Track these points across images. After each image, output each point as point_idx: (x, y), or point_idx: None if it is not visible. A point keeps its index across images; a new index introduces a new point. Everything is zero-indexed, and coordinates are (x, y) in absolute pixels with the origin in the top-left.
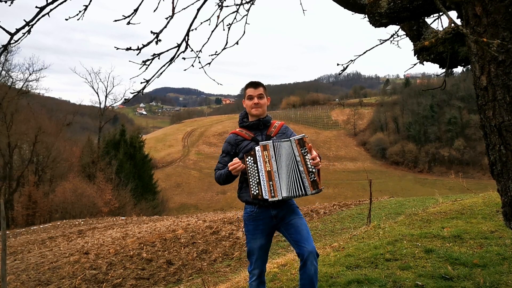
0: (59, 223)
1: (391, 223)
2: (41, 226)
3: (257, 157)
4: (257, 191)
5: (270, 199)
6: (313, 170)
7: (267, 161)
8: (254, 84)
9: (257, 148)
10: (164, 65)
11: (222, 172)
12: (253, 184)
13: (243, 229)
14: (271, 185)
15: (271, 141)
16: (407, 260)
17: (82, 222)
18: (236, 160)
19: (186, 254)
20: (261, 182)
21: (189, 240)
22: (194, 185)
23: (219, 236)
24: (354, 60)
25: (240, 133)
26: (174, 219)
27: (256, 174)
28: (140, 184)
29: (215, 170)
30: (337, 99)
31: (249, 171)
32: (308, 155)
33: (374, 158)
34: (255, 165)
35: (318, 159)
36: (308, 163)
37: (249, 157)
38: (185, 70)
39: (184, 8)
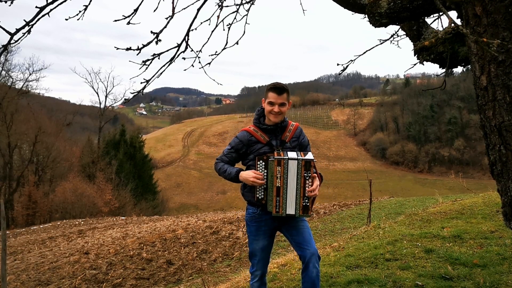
0: (59, 223)
1: (391, 223)
2: (41, 226)
3: (269, 166)
4: (262, 196)
5: (274, 214)
6: (307, 195)
7: (279, 177)
8: (278, 90)
9: (271, 158)
10: (164, 65)
11: (229, 170)
12: (260, 188)
13: (245, 230)
14: (278, 201)
15: (287, 157)
16: (407, 260)
17: (82, 222)
18: (259, 175)
19: (186, 254)
20: (269, 192)
21: (189, 240)
22: (194, 185)
23: (219, 236)
24: (354, 60)
25: (255, 133)
26: (174, 219)
27: (265, 179)
28: (140, 184)
29: (217, 160)
30: (337, 99)
31: None
32: (309, 180)
33: (374, 158)
34: (265, 171)
35: (316, 191)
36: (307, 187)
37: (261, 161)
38: (185, 70)
39: (184, 8)
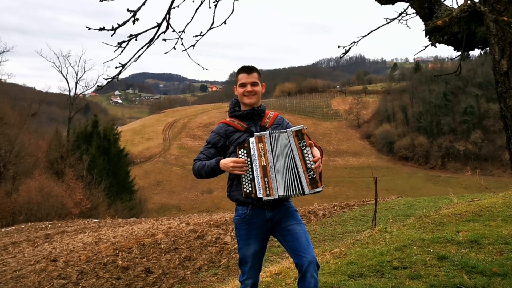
0: (23, 226)
1: (399, 227)
2: (2, 230)
3: (251, 150)
4: (250, 189)
5: (265, 198)
6: (312, 166)
7: (263, 155)
8: (247, 69)
9: (251, 139)
10: (142, 48)
11: (207, 163)
12: (246, 180)
13: (233, 234)
14: (267, 182)
15: (268, 132)
16: (417, 268)
17: (49, 225)
18: (241, 159)
19: (167, 261)
20: (255, 178)
21: (171, 245)
22: (176, 184)
23: (205, 241)
24: (358, 41)
25: (232, 123)
26: (153, 221)
27: (250, 170)
28: (115, 182)
29: (194, 161)
30: (338, 86)
31: None
32: (307, 149)
33: (380, 152)
34: (248, 159)
35: (319, 157)
36: (307, 158)
37: (242, 150)
38: (166, 53)
39: None
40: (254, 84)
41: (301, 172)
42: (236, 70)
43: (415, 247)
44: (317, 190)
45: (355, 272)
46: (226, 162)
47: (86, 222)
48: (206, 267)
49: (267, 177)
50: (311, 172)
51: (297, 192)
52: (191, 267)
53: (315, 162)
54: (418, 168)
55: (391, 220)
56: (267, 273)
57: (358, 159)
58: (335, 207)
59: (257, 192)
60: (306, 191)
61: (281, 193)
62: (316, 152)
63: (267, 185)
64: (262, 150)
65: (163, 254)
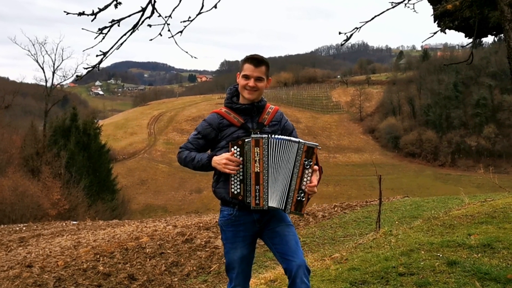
0: None
1: (405, 229)
2: None
3: (245, 151)
4: (238, 190)
5: (253, 207)
6: (305, 189)
7: (257, 160)
8: (255, 61)
9: (247, 140)
10: (125, 34)
11: (198, 157)
12: (235, 180)
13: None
14: (258, 190)
15: (267, 136)
16: (425, 275)
17: (24, 228)
18: (235, 158)
19: (152, 267)
20: (246, 181)
21: (156, 250)
22: (162, 182)
23: (193, 245)
24: (360, 27)
25: (227, 115)
26: (137, 224)
27: (241, 170)
28: (96, 181)
29: (181, 149)
30: (339, 76)
31: None
32: (310, 170)
33: (385, 148)
34: (240, 158)
35: (315, 184)
36: (305, 179)
37: (235, 147)
38: (151, 40)
39: None
40: (258, 79)
41: (292, 190)
42: (228, 59)
43: (422, 252)
44: (297, 213)
45: (357, 279)
46: (219, 159)
47: (64, 224)
48: (195, 274)
49: (259, 185)
50: (302, 194)
51: (279, 206)
52: (179, 274)
53: (311, 186)
54: (426, 165)
55: (396, 222)
56: (261, 280)
57: (360, 156)
58: (336, 208)
59: (245, 198)
60: (288, 209)
61: (271, 204)
62: (315, 178)
63: (257, 194)
64: (257, 155)
65: (148, 259)
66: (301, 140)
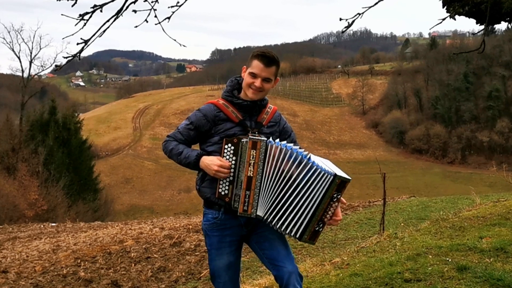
0: None
1: (411, 232)
2: None
3: (240, 152)
4: (226, 192)
5: (240, 213)
6: (325, 220)
7: (252, 164)
8: (267, 60)
9: (244, 140)
10: (108, 21)
11: (186, 152)
12: (224, 181)
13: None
14: (247, 196)
15: (265, 139)
16: (433, 281)
17: None
18: (228, 163)
19: (137, 272)
20: (236, 184)
21: (142, 254)
22: (148, 181)
23: (182, 249)
24: (363, 13)
25: (225, 108)
26: (121, 226)
27: (232, 171)
28: (77, 180)
29: (168, 137)
30: (339, 66)
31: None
32: (336, 204)
33: (389, 144)
34: (233, 158)
35: (341, 218)
36: (329, 211)
37: (229, 144)
38: (136, 27)
39: None
40: (266, 80)
41: (314, 220)
42: (220, 47)
43: (430, 256)
44: (311, 243)
45: (359, 285)
46: (209, 162)
47: (42, 226)
48: (184, 280)
49: (250, 190)
50: (321, 225)
51: (291, 232)
52: (166, 280)
53: (336, 220)
54: (434, 162)
55: (402, 224)
56: (256, 286)
57: (363, 152)
58: None
59: (233, 202)
60: (303, 238)
61: (259, 213)
62: (339, 212)
63: (247, 199)
64: (253, 158)
65: (133, 264)
66: (337, 173)
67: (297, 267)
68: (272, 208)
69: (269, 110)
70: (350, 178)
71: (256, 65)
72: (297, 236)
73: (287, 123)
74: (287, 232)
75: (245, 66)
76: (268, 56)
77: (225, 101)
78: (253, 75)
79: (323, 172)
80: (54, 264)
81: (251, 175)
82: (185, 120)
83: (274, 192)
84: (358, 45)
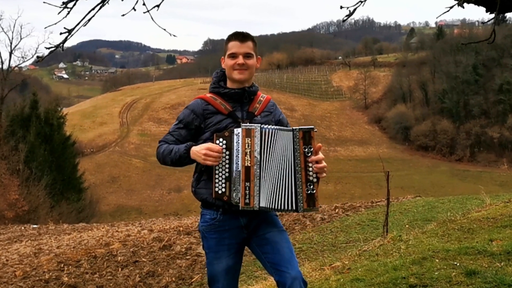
0: None
1: (417, 234)
2: None
3: (234, 143)
4: (223, 190)
5: (242, 207)
6: (314, 180)
7: (248, 153)
8: (240, 36)
9: (236, 130)
10: (93, 8)
11: (175, 148)
12: (220, 178)
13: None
14: (248, 188)
15: (259, 126)
16: (440, 287)
17: None
18: (218, 146)
19: (125, 278)
20: (233, 178)
21: (129, 257)
22: (136, 180)
23: (172, 253)
24: (365, 0)
25: (213, 101)
26: (107, 228)
27: (227, 166)
28: (60, 178)
29: (160, 143)
30: (340, 57)
31: None
32: (312, 157)
33: (393, 141)
34: (227, 153)
35: (324, 164)
36: (310, 168)
37: (220, 139)
38: (123, 15)
39: None
40: (247, 55)
41: (299, 185)
42: (212, 37)
43: (437, 260)
44: (313, 209)
45: None
46: (198, 149)
47: (23, 228)
48: (174, 285)
49: (249, 181)
50: (311, 187)
51: (288, 207)
52: (155, 285)
53: (320, 169)
54: (441, 160)
55: (407, 225)
56: None
57: (365, 149)
58: (337, 210)
59: (233, 197)
60: (301, 208)
61: (263, 204)
62: (320, 156)
63: (247, 191)
64: (248, 147)
65: (119, 269)
66: (294, 128)
67: (301, 273)
68: (273, 195)
69: (261, 99)
70: (312, 127)
71: (233, 45)
72: (294, 208)
73: (282, 114)
74: (283, 209)
75: (222, 57)
76: (240, 33)
77: (213, 93)
78: (233, 55)
79: (283, 132)
80: (35, 268)
81: (249, 164)
82: (176, 120)
83: (274, 179)
84: (360, 35)
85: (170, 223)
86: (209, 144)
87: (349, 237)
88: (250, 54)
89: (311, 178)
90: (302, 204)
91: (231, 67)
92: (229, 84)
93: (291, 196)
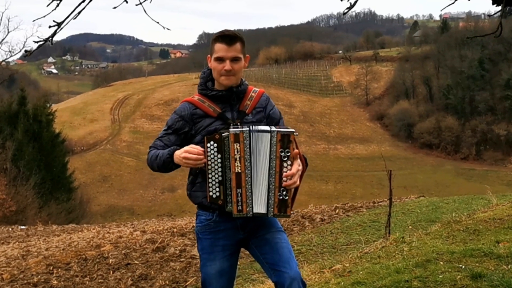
0: None
1: (420, 235)
2: None
3: (224, 147)
4: (217, 194)
5: (235, 214)
6: (284, 187)
7: (238, 159)
8: (228, 39)
9: (225, 135)
10: (83, 1)
11: (160, 153)
12: (213, 182)
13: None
14: (239, 194)
15: (248, 129)
16: None
17: None
18: (198, 148)
19: (116, 281)
20: (226, 183)
21: (121, 260)
22: (128, 179)
23: (166, 255)
24: None
25: (201, 104)
26: (99, 229)
27: (219, 169)
28: (49, 178)
29: (150, 148)
30: (340, 51)
31: (209, 162)
32: (289, 162)
33: (396, 138)
34: (218, 155)
35: (296, 178)
36: (284, 173)
37: (211, 142)
38: (115, 8)
39: None
40: (235, 59)
41: (272, 189)
42: (207, 31)
43: (441, 263)
44: (282, 215)
45: None
46: (179, 153)
47: (10, 229)
48: None
49: (241, 187)
50: (284, 192)
51: (257, 210)
52: None
53: (289, 178)
54: (445, 158)
55: (410, 227)
56: None
57: (367, 147)
58: (337, 210)
59: (226, 205)
60: (270, 212)
61: (256, 210)
62: (296, 167)
63: (239, 198)
64: (237, 152)
65: (111, 272)
66: (273, 128)
67: (299, 273)
68: (267, 199)
69: (253, 94)
70: (292, 130)
71: (219, 48)
72: (263, 211)
73: (275, 108)
74: (254, 212)
75: (209, 55)
76: (228, 34)
77: (201, 95)
78: (220, 59)
79: (262, 134)
80: (23, 271)
81: (239, 170)
82: (164, 126)
83: (262, 183)
84: (362, 28)
85: (163, 224)
86: (188, 147)
87: (350, 239)
88: (237, 58)
89: (283, 183)
90: (272, 209)
91: (218, 72)
92: (216, 85)
93: (261, 199)
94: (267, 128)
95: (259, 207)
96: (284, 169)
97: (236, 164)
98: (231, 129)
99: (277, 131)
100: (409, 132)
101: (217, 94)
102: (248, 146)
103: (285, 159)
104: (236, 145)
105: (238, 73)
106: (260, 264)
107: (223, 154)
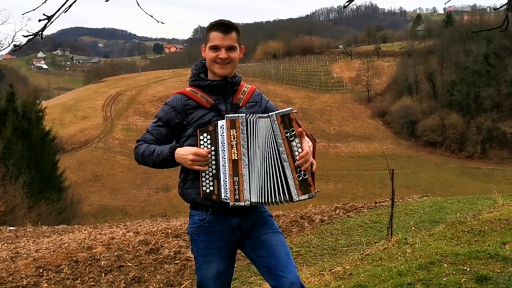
0: None
1: (424, 237)
2: None
3: (219, 137)
4: (211, 188)
5: (232, 204)
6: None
7: (234, 145)
8: (224, 27)
9: (220, 122)
10: None
11: (158, 149)
12: (207, 176)
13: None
14: (236, 182)
15: (244, 115)
16: None
17: None
18: (204, 151)
19: (108, 284)
20: (222, 175)
21: (114, 262)
22: (121, 178)
23: (160, 257)
24: None
25: (193, 95)
26: (90, 230)
27: (213, 163)
28: (39, 177)
29: (138, 142)
30: (341, 46)
31: None
32: (297, 140)
33: (398, 136)
34: (212, 148)
35: (307, 150)
36: (296, 153)
37: (205, 134)
38: (107, 1)
39: None
40: (230, 48)
41: (288, 172)
42: (203, 25)
43: (445, 265)
44: (308, 196)
45: None
46: (184, 153)
47: None
48: None
49: (238, 175)
50: (302, 172)
51: (281, 199)
52: None
53: (303, 157)
54: (449, 157)
55: (413, 227)
56: None
57: (368, 145)
58: (337, 210)
59: (222, 195)
60: (295, 197)
61: (254, 199)
62: (306, 144)
63: (236, 187)
64: (234, 138)
65: (103, 274)
66: (271, 113)
67: (299, 277)
68: (264, 187)
69: (246, 89)
70: (289, 109)
71: (215, 36)
72: (287, 198)
73: (270, 101)
74: (276, 201)
75: (203, 45)
76: (223, 23)
77: (193, 87)
78: (215, 48)
79: (263, 119)
80: (12, 274)
81: (236, 157)
82: (154, 118)
83: (263, 170)
84: (363, 22)
85: (157, 225)
86: (195, 149)
87: (350, 240)
88: (233, 47)
89: (297, 163)
90: (296, 192)
91: (213, 60)
92: (210, 76)
93: (282, 186)
94: (265, 114)
95: (257, 196)
96: (295, 148)
97: (232, 150)
98: (227, 116)
99: (275, 113)
100: (412, 129)
101: (210, 84)
102: (245, 133)
103: (292, 138)
104: (233, 131)
105: (233, 62)
106: (256, 267)
107: (217, 146)
